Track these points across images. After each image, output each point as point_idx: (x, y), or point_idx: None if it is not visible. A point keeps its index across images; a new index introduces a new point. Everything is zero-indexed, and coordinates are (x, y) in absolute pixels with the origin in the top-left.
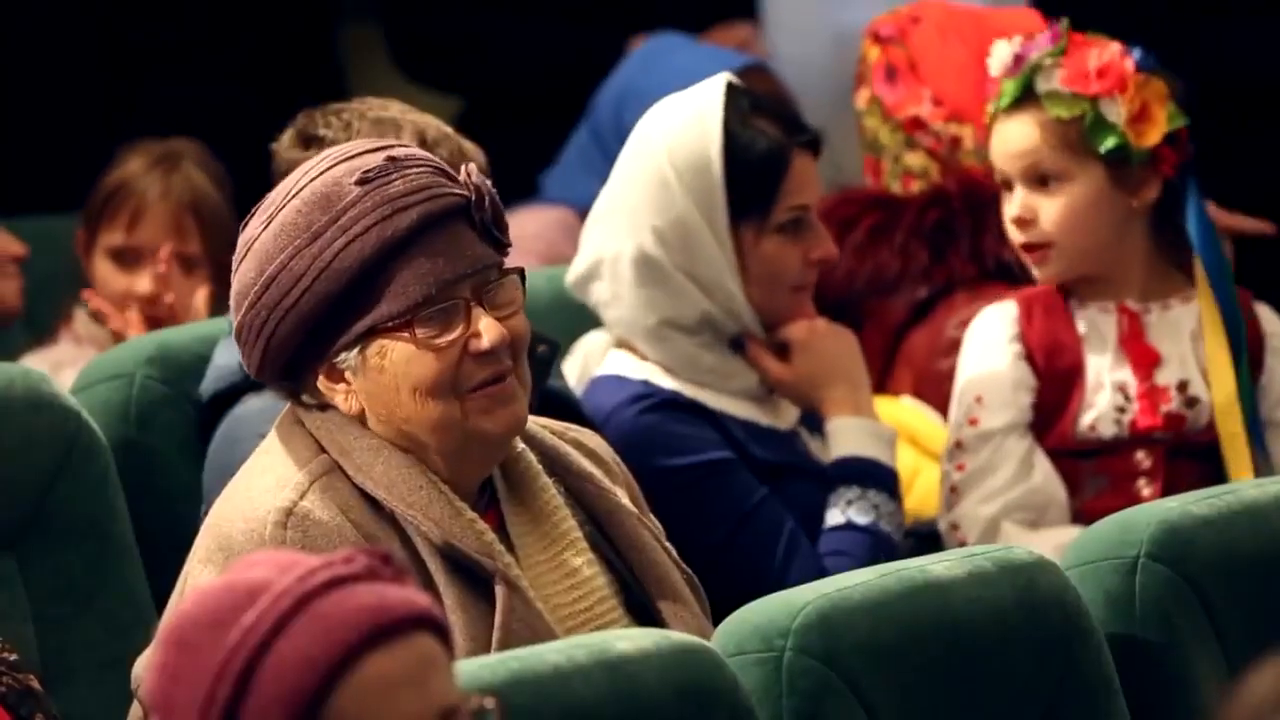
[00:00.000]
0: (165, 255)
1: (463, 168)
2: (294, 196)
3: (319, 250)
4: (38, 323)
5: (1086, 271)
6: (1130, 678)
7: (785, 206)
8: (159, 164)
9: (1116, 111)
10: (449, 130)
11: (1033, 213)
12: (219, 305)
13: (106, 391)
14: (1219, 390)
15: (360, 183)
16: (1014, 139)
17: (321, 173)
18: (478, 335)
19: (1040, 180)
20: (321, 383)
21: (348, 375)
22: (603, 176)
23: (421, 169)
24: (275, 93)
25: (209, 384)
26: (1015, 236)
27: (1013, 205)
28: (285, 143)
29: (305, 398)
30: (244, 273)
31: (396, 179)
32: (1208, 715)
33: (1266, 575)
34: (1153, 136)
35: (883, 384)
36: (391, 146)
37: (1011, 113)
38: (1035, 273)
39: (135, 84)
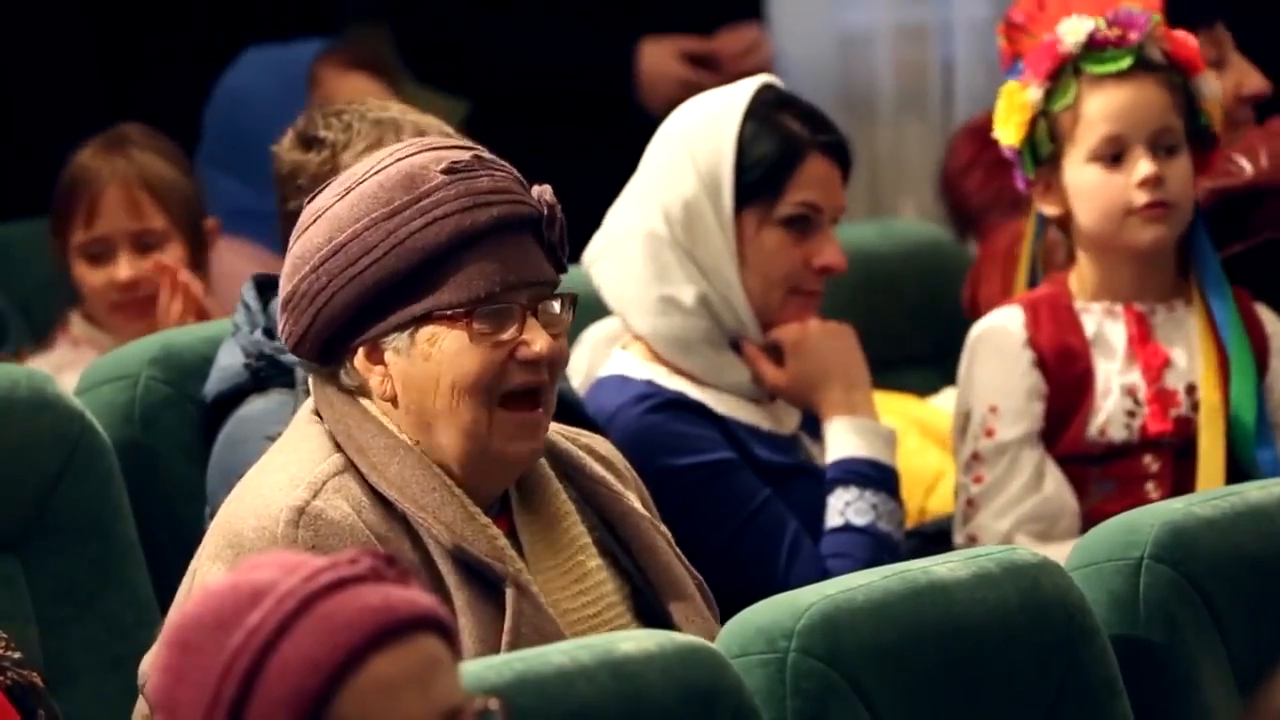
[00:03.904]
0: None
1: (536, 188)
2: (375, 174)
3: (395, 226)
4: (38, 325)
5: (1173, 240)
6: (1134, 679)
7: (792, 200)
8: (103, 150)
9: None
10: (449, 130)
11: (1164, 174)
12: (196, 270)
13: (110, 392)
14: (1205, 400)
15: (447, 171)
16: (1141, 103)
17: (407, 156)
18: (527, 342)
19: (1168, 148)
20: (360, 361)
21: (389, 356)
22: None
23: (505, 174)
24: None
25: (212, 385)
26: (1138, 197)
27: (1145, 164)
28: (286, 144)
29: (343, 377)
30: (309, 238)
31: (483, 176)
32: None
33: (1270, 576)
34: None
35: (975, 301)
36: (478, 148)
37: (1130, 78)
38: (1149, 232)
39: (135, 85)
